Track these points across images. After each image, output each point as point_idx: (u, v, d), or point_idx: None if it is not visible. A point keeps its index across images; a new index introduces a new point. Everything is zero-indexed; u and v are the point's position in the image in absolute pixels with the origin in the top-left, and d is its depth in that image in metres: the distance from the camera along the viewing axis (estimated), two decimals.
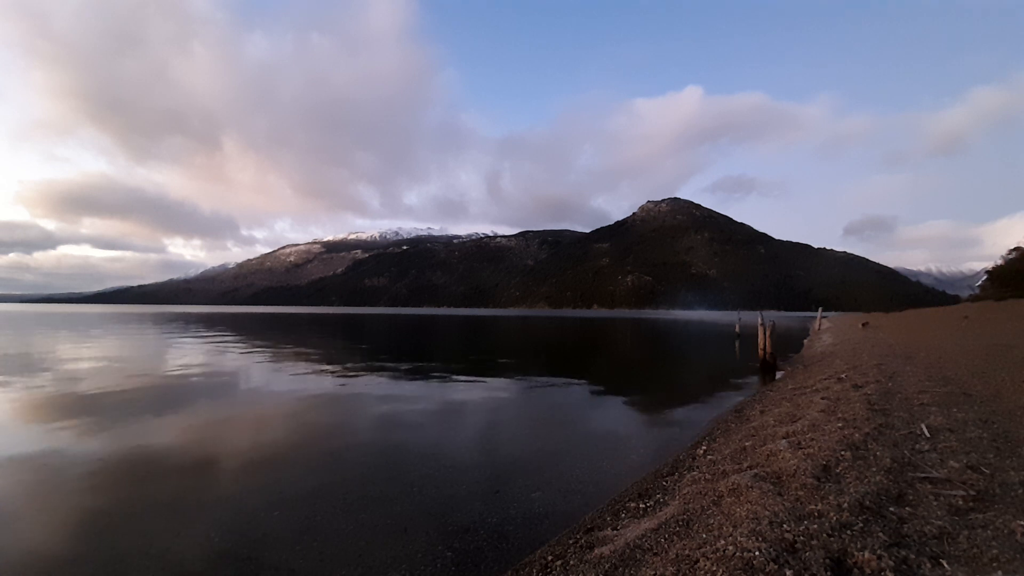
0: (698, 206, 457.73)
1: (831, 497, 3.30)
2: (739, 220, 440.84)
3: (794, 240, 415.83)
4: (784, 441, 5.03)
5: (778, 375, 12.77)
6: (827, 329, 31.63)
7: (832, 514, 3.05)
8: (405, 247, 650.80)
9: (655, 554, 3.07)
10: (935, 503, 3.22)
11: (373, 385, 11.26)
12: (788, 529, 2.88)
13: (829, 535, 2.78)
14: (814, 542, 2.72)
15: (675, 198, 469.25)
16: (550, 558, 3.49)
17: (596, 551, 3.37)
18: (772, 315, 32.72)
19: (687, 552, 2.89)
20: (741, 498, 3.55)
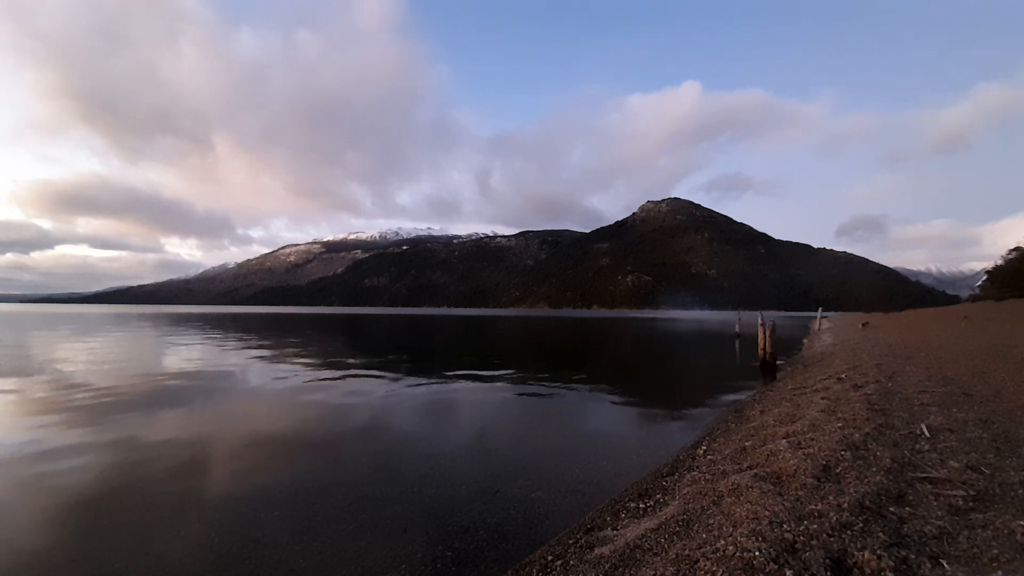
0: (698, 206, 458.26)
1: (831, 497, 3.30)
2: (738, 220, 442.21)
3: (793, 240, 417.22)
4: (784, 441, 5.04)
5: (778, 375, 12.76)
6: (827, 329, 31.63)
7: (832, 514, 3.05)
8: (405, 247, 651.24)
9: (655, 554, 3.07)
10: (935, 503, 3.22)
11: (373, 385, 11.25)
12: (788, 529, 2.88)
13: (829, 535, 2.78)
14: (814, 542, 2.72)
15: (675, 198, 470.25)
16: (550, 558, 3.49)
17: (596, 551, 3.37)
18: (772, 315, 32.72)
19: (687, 552, 2.89)
20: (741, 498, 3.55)
